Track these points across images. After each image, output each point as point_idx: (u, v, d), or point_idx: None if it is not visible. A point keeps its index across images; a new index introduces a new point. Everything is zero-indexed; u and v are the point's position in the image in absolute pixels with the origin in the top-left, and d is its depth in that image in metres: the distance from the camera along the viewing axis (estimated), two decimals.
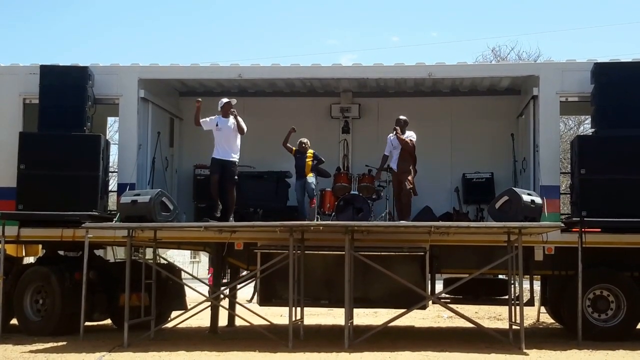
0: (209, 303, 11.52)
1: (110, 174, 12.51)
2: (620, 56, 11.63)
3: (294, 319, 9.95)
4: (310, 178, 11.77)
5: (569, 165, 11.82)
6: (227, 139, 11.08)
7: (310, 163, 11.81)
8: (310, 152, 11.87)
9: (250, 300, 15.62)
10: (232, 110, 11.06)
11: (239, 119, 11.09)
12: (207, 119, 11.20)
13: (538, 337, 11.18)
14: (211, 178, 11.19)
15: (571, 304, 10.50)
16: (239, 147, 11.21)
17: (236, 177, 11.20)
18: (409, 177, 10.98)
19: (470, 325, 10.94)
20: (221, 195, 11.11)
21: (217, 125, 11.10)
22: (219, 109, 11.16)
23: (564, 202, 13.35)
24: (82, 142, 11.25)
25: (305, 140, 11.88)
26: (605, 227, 10.55)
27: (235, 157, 11.15)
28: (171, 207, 10.63)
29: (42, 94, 11.38)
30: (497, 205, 10.06)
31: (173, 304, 12.50)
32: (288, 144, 11.86)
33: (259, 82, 12.83)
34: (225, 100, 11.21)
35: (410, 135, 11.15)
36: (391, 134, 11.21)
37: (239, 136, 11.16)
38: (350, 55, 67.77)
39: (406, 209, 10.94)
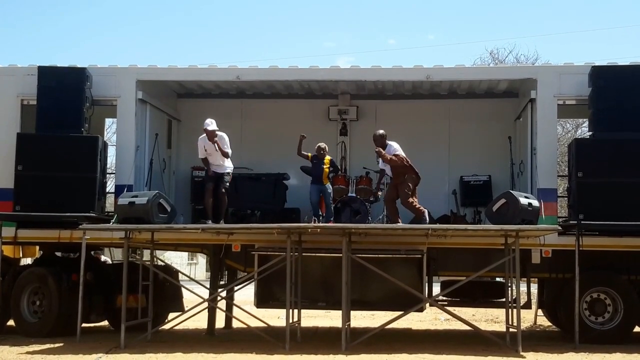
0: (206, 305, 11.51)
1: (107, 175, 12.50)
2: (617, 59, 11.65)
3: (291, 321, 9.96)
4: (330, 187, 11.43)
5: (567, 168, 11.83)
6: (216, 159, 11.14)
7: (327, 171, 11.38)
8: (327, 158, 11.39)
9: None
10: (215, 140, 10.96)
11: (220, 146, 11.00)
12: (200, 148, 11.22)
13: (535, 340, 11.19)
14: (206, 186, 11.20)
15: (568, 307, 10.52)
16: (230, 160, 11.26)
17: (227, 185, 11.17)
18: (406, 190, 10.60)
19: (467, 327, 10.94)
20: (213, 202, 11.14)
21: (205, 150, 11.14)
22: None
23: (561, 205, 13.36)
24: (80, 143, 11.24)
25: (323, 145, 11.39)
26: (603, 230, 10.56)
27: (228, 169, 11.21)
28: (169, 208, 10.62)
29: (39, 95, 11.37)
30: (495, 208, 10.06)
31: (170, 306, 12.48)
32: (303, 152, 11.35)
33: (257, 84, 12.82)
34: (206, 127, 11.06)
35: (393, 150, 10.70)
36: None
37: None
38: (348, 57, 67.83)
39: (411, 210, 10.79)
